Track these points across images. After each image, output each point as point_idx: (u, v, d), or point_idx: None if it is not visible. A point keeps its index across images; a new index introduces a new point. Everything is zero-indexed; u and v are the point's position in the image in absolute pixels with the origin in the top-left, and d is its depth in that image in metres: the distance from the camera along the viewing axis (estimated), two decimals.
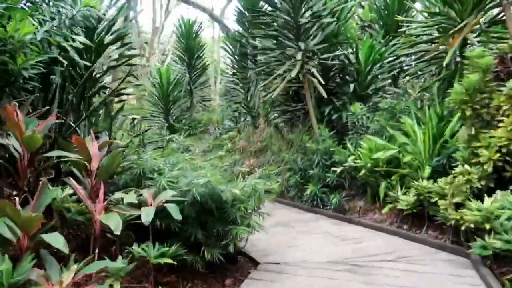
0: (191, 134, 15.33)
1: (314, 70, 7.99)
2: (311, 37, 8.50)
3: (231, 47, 14.04)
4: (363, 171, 6.70)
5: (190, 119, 15.42)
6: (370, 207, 6.95)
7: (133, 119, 6.95)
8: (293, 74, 7.72)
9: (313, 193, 7.74)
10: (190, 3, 21.92)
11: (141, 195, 3.83)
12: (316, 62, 8.76)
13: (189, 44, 15.82)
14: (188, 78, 16.35)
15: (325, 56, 8.68)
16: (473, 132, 5.03)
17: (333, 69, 9.29)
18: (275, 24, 8.68)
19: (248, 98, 14.72)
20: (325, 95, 7.88)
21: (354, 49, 9.01)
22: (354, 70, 9.00)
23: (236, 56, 14.21)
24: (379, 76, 9.14)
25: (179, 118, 15.04)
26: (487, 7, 6.36)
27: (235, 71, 14.72)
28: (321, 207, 7.70)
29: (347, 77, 9.27)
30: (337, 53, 8.88)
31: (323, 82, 7.75)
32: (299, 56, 7.84)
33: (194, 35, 15.89)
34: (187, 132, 15.01)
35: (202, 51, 16.25)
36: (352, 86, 8.77)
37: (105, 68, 5.20)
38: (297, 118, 10.91)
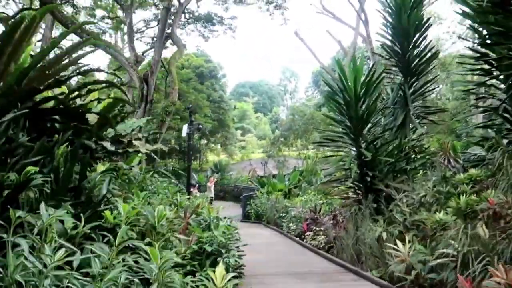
0: (400, 170, 9.10)
1: None
2: None
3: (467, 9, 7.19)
4: None
5: (401, 144, 9.17)
6: None
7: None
8: None
9: None
10: None
11: None
12: None
13: (402, 24, 9.74)
14: (401, 78, 10.19)
15: None
16: None
17: None
18: None
19: None
20: None
21: None
22: None
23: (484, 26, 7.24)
24: None
25: (376, 143, 9.13)
26: None
27: (484, 50, 7.64)
28: None
29: None
30: None
31: None
32: None
33: (410, 9, 9.71)
34: (391, 167, 8.95)
35: (424, 32, 9.77)
36: None
37: None
38: None
